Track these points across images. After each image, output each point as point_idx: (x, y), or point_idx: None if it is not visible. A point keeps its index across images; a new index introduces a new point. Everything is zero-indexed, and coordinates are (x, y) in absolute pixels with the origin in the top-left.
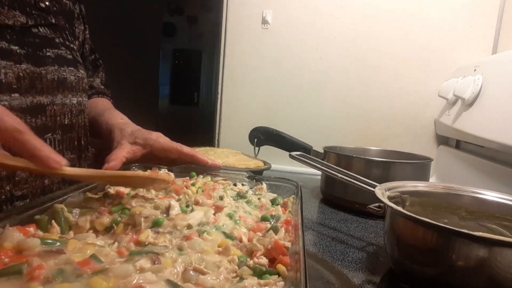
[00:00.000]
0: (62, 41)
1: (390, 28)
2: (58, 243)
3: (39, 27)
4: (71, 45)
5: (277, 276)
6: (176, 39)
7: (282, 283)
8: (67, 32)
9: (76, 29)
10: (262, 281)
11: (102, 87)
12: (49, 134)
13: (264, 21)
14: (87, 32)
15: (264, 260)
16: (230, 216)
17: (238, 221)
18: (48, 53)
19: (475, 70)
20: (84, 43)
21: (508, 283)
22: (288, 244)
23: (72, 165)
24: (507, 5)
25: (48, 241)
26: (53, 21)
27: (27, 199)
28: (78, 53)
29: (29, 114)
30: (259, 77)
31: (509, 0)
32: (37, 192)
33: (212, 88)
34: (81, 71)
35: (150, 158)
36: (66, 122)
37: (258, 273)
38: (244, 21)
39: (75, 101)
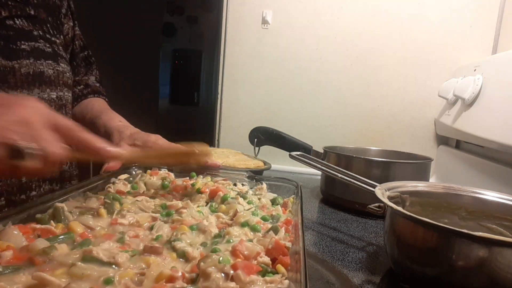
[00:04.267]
0: (41, 33)
1: (390, 28)
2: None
3: (15, 19)
4: (53, 38)
5: (281, 275)
6: (176, 39)
7: (287, 281)
8: (48, 25)
9: (65, 25)
10: (268, 278)
11: (98, 84)
12: None
13: (264, 21)
14: (77, 28)
15: (267, 259)
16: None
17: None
18: (23, 46)
19: (475, 70)
20: (74, 40)
21: (508, 283)
22: (289, 244)
23: None
24: (507, 5)
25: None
26: (32, 12)
27: (1, 198)
28: (61, 47)
29: None
30: (259, 77)
31: (509, 0)
32: (13, 190)
33: (212, 88)
34: (61, 64)
35: None
36: None
37: (262, 272)
38: (244, 21)
39: (55, 96)
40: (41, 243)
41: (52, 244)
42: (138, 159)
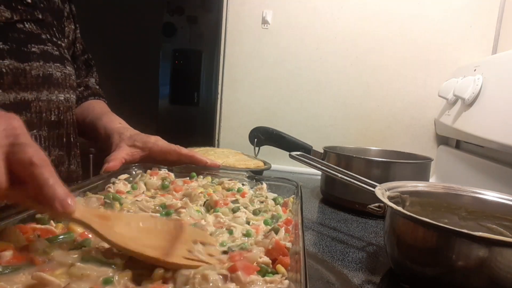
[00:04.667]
0: (49, 37)
1: (390, 28)
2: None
3: (25, 23)
4: (59, 42)
5: (280, 275)
6: (176, 39)
7: (287, 281)
8: (54, 29)
9: (66, 28)
10: (268, 278)
11: (97, 87)
12: (34, 131)
13: (264, 21)
14: (78, 31)
15: (267, 259)
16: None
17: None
18: (33, 49)
19: (475, 70)
20: (75, 42)
21: (508, 283)
22: (289, 244)
23: (62, 162)
24: (507, 5)
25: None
26: (40, 16)
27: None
28: (66, 50)
29: (12, 110)
30: (259, 77)
31: (509, 0)
32: None
33: (212, 88)
34: (68, 67)
35: (149, 161)
36: (52, 119)
37: (262, 272)
38: (244, 21)
39: (62, 98)
40: (41, 243)
41: (52, 244)
42: (89, 227)
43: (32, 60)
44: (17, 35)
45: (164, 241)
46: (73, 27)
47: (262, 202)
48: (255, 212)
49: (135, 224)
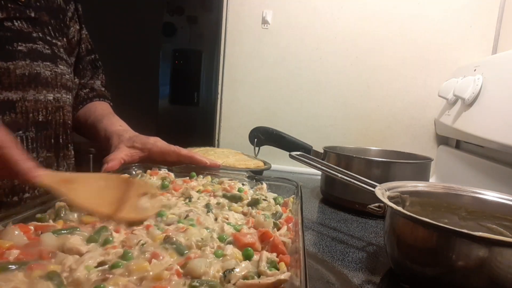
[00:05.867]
0: (41, 36)
1: (390, 28)
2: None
3: (14, 21)
4: (53, 41)
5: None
6: (176, 39)
7: (289, 273)
8: (49, 28)
9: (72, 28)
10: (269, 272)
11: (103, 89)
12: (20, 132)
13: (264, 21)
14: (84, 31)
15: (274, 255)
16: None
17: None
18: (19, 47)
19: (475, 70)
20: (80, 43)
21: (508, 283)
22: (288, 241)
23: (50, 164)
24: (507, 5)
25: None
26: (33, 15)
27: None
28: (62, 50)
29: None
30: (259, 77)
31: (509, 0)
32: (5, 191)
33: (212, 88)
34: (60, 66)
35: (149, 161)
36: (40, 119)
37: (270, 263)
38: (244, 21)
39: (51, 98)
40: (48, 238)
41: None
42: (58, 192)
43: (18, 58)
44: (3, 33)
45: (117, 194)
46: (78, 27)
47: (264, 199)
48: (253, 203)
49: (93, 182)
